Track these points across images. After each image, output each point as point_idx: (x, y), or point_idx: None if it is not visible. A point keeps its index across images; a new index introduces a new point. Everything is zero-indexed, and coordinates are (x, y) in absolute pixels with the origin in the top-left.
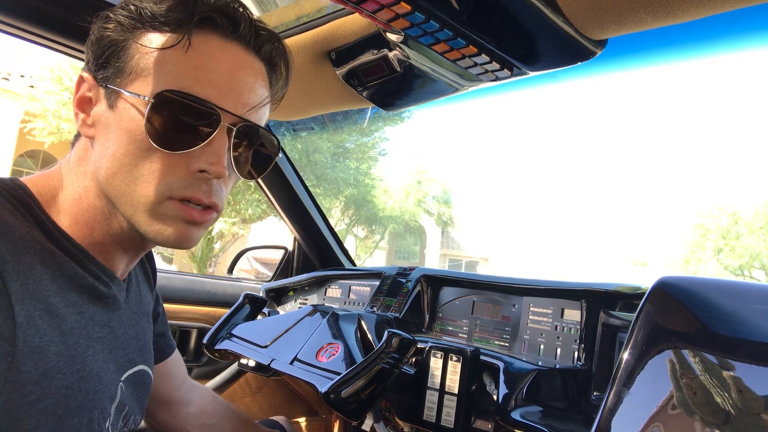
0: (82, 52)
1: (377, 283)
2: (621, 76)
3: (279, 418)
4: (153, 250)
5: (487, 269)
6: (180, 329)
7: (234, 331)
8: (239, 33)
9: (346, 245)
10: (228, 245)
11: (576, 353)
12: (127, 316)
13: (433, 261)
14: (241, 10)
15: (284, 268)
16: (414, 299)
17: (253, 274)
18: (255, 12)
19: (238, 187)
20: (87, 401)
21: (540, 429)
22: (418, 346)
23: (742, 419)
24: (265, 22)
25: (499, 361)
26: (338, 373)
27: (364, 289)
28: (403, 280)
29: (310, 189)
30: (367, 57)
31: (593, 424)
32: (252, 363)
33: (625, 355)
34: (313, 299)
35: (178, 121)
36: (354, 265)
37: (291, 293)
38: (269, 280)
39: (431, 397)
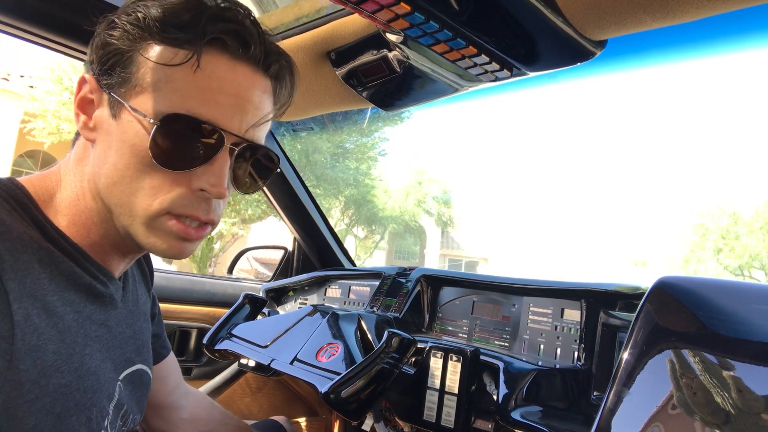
0: (82, 52)
1: (377, 283)
2: (621, 77)
3: (279, 418)
4: None
5: (487, 269)
6: (180, 329)
7: (234, 331)
8: (249, 54)
9: (346, 245)
10: (228, 245)
11: (576, 353)
12: (124, 315)
13: (433, 261)
14: (251, 28)
15: (284, 268)
16: (414, 299)
17: (253, 274)
18: (255, 13)
19: None
20: (85, 400)
21: (540, 429)
22: (418, 346)
23: (742, 419)
24: (265, 22)
25: (499, 361)
26: (338, 373)
27: (364, 289)
28: (403, 280)
29: (310, 189)
30: (367, 57)
31: (593, 424)
32: (252, 363)
33: (625, 355)
34: (313, 299)
35: (181, 142)
36: (354, 265)
37: (291, 293)
38: (269, 280)
39: (431, 397)
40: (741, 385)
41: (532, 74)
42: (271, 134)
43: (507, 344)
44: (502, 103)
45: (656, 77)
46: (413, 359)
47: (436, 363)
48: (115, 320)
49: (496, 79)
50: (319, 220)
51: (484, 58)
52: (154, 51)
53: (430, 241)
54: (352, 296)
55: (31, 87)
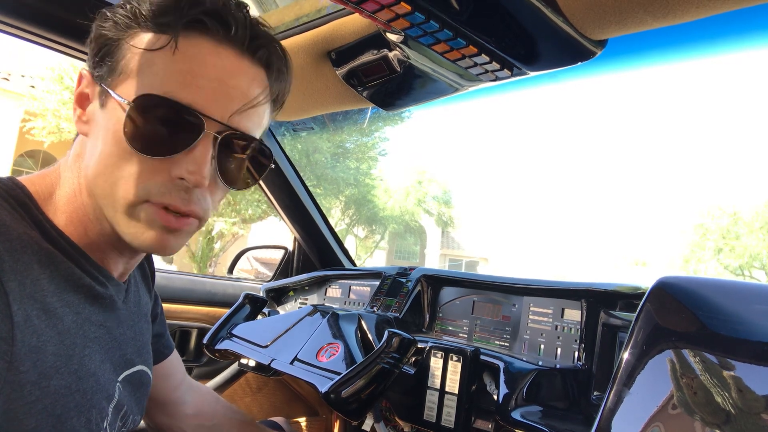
0: (82, 52)
1: (377, 283)
2: (621, 76)
3: (278, 419)
4: None
5: (487, 269)
6: (180, 329)
7: (234, 331)
8: (232, 36)
9: (346, 245)
10: (228, 245)
11: (576, 353)
12: (125, 316)
13: (433, 261)
14: (234, 10)
15: (284, 268)
16: (414, 299)
17: (253, 274)
18: (255, 12)
19: None
20: (85, 401)
21: (540, 429)
22: (419, 346)
23: (742, 419)
24: (265, 22)
25: (500, 361)
26: (338, 373)
27: (364, 289)
28: (403, 280)
29: (310, 189)
30: (367, 57)
31: (593, 424)
32: (252, 363)
33: (626, 355)
34: (313, 299)
35: (158, 126)
36: (354, 265)
37: (291, 293)
38: (269, 280)
39: (431, 397)
40: (741, 385)
41: (532, 74)
42: (272, 134)
43: (507, 344)
44: (502, 103)
45: (656, 77)
46: (413, 359)
47: (436, 363)
48: (115, 321)
49: (497, 79)
50: (320, 219)
51: (484, 58)
52: (139, 38)
53: (431, 241)
54: (352, 296)
55: (32, 87)
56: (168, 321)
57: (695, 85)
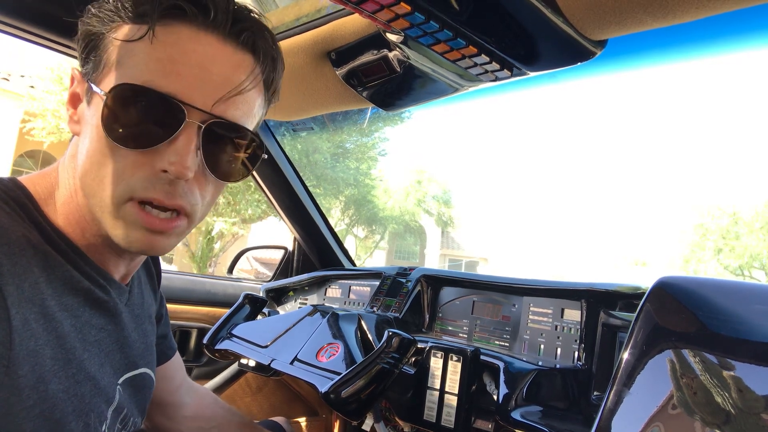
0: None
1: (377, 283)
2: (621, 76)
3: (278, 419)
4: None
5: (487, 269)
6: (180, 329)
7: (234, 331)
8: (211, 21)
9: (346, 245)
10: (228, 245)
11: (576, 353)
12: (128, 319)
13: (433, 261)
14: None
15: (284, 268)
16: (414, 299)
17: (253, 274)
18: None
19: (238, 187)
20: (83, 405)
21: (540, 429)
22: (418, 346)
23: (742, 419)
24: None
25: (499, 361)
26: (338, 373)
27: (364, 289)
28: (403, 280)
29: (310, 189)
30: (367, 57)
31: (593, 424)
32: (252, 363)
33: (625, 355)
34: (313, 299)
35: (137, 117)
36: (354, 265)
37: (291, 293)
38: (269, 280)
39: (431, 397)
40: (741, 385)
41: (532, 74)
42: (271, 134)
43: (507, 344)
44: (502, 103)
45: (656, 77)
46: (413, 359)
47: (436, 363)
48: (117, 324)
49: (496, 79)
50: (319, 220)
51: (484, 58)
52: (121, 30)
53: (430, 241)
54: (352, 296)
55: (32, 87)
56: (169, 321)
57: (695, 85)
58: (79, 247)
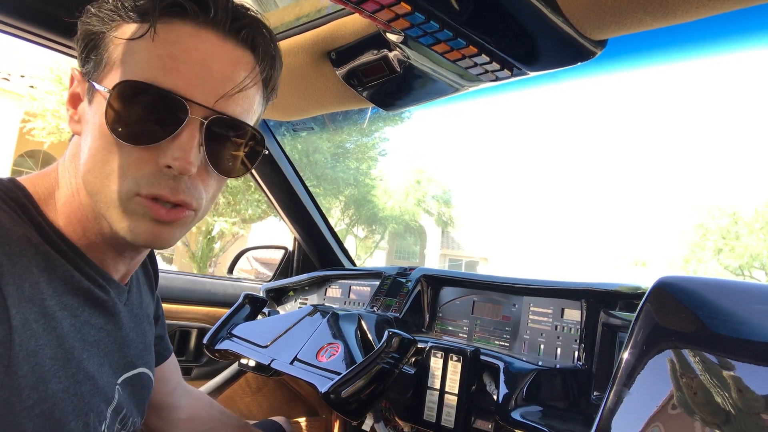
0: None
1: (377, 283)
2: (621, 76)
3: (278, 419)
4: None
5: (487, 269)
6: (180, 329)
7: (234, 331)
8: (212, 18)
9: (346, 245)
10: (228, 245)
11: (576, 353)
12: (126, 319)
13: (433, 261)
14: None
15: (284, 268)
16: (414, 299)
17: (253, 274)
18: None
19: (238, 186)
20: (82, 405)
21: (540, 429)
22: (418, 346)
23: (742, 419)
24: (265, 22)
25: (499, 361)
26: (338, 373)
27: (364, 289)
28: (403, 280)
29: (310, 189)
30: (367, 57)
31: (593, 424)
32: (252, 363)
33: (625, 355)
34: (313, 299)
35: (140, 114)
36: (354, 265)
37: (291, 293)
38: (269, 280)
39: (431, 397)
40: (741, 385)
41: (532, 74)
42: (272, 134)
43: (507, 344)
44: (502, 103)
45: (656, 77)
46: (413, 359)
47: (436, 363)
48: (116, 324)
49: (497, 79)
50: (320, 219)
51: (484, 58)
52: (122, 29)
53: (430, 241)
54: (352, 296)
55: (32, 87)
56: (168, 321)
57: (695, 85)
58: (78, 247)
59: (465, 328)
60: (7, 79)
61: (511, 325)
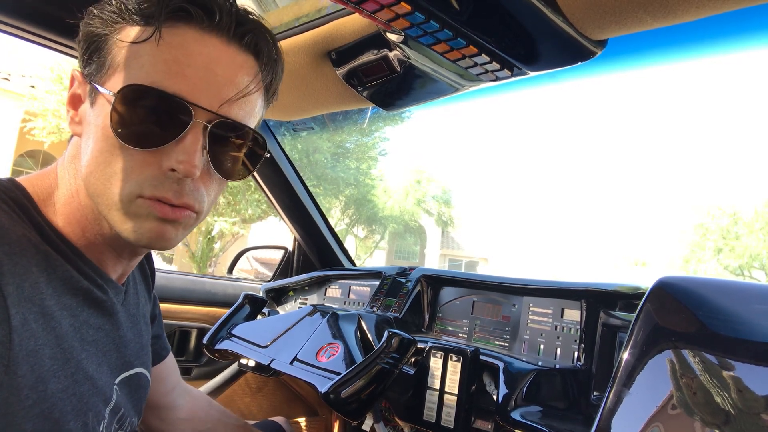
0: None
1: (377, 283)
2: (621, 76)
3: (278, 419)
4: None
5: (487, 269)
6: (180, 329)
7: (234, 331)
8: (216, 23)
9: (346, 245)
10: (228, 245)
11: (576, 353)
12: (124, 319)
13: (433, 261)
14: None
15: (284, 268)
16: (414, 299)
17: (253, 274)
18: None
19: (238, 187)
20: (81, 404)
21: (540, 429)
22: (418, 346)
23: (742, 419)
24: (265, 22)
25: (499, 361)
26: (338, 373)
27: (364, 289)
28: (403, 280)
29: (310, 189)
30: (367, 57)
31: (593, 424)
32: (252, 363)
33: (625, 355)
34: (313, 299)
35: (145, 117)
36: (354, 265)
37: (291, 293)
38: (269, 280)
39: (431, 397)
40: (741, 385)
41: (532, 74)
42: (272, 134)
43: (507, 344)
44: (502, 103)
45: (656, 77)
46: (413, 359)
47: (436, 363)
48: (113, 324)
49: (497, 79)
50: (319, 219)
51: (484, 58)
52: (126, 32)
53: (430, 241)
54: (352, 296)
55: (32, 87)
56: (168, 321)
57: (695, 85)
58: (77, 247)
59: (465, 328)
60: (8, 79)
61: (510, 325)
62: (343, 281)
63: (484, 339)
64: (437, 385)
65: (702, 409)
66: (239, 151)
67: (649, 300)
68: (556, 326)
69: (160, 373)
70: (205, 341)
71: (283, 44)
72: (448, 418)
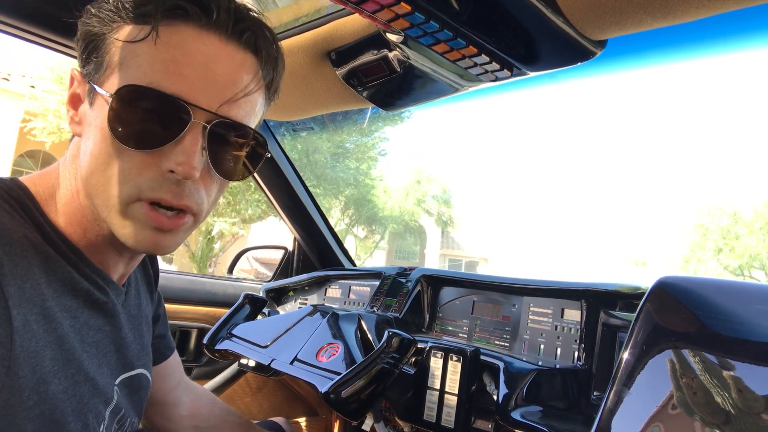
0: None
1: (377, 283)
2: (621, 76)
3: (278, 419)
4: None
5: (487, 269)
6: (180, 329)
7: (234, 331)
8: (214, 21)
9: (346, 245)
10: (228, 245)
11: (576, 353)
12: (124, 320)
13: (433, 261)
14: None
15: (284, 268)
16: (414, 299)
17: (253, 274)
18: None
19: (238, 187)
20: (82, 405)
21: (540, 429)
22: (418, 346)
23: (742, 419)
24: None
25: (499, 361)
26: (338, 373)
27: (364, 289)
28: (403, 280)
29: (310, 189)
30: (367, 57)
31: (593, 424)
32: (252, 363)
33: (625, 355)
34: (313, 299)
35: (143, 118)
36: (354, 265)
37: (291, 293)
38: (269, 280)
39: (431, 397)
40: (741, 385)
41: (532, 74)
42: (272, 134)
43: (507, 344)
44: (502, 103)
45: (656, 77)
46: (413, 359)
47: (436, 363)
48: (114, 325)
49: (497, 79)
50: (319, 219)
51: (484, 58)
52: (123, 31)
53: (430, 241)
54: (352, 296)
55: (32, 87)
56: (168, 321)
57: (695, 85)
58: (78, 248)
59: (465, 328)
60: (7, 79)
61: (511, 325)
62: (343, 281)
63: (485, 339)
64: (437, 385)
65: (702, 409)
66: (240, 151)
67: (649, 300)
68: (556, 326)
69: (164, 371)
70: (205, 341)
71: (283, 44)
72: (449, 418)
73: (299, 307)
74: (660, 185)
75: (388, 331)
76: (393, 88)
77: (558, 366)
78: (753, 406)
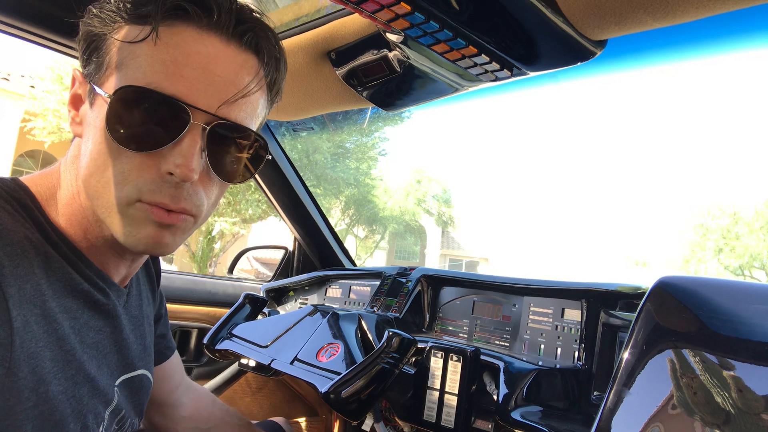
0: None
1: (377, 283)
2: (621, 76)
3: (278, 419)
4: None
5: (487, 269)
6: (180, 329)
7: (234, 331)
8: (215, 22)
9: (346, 245)
10: (228, 245)
11: (576, 353)
12: (126, 321)
13: (434, 261)
14: None
15: (284, 268)
16: (414, 299)
17: (254, 274)
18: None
19: (239, 186)
20: (81, 406)
21: (540, 429)
22: (419, 346)
23: (742, 419)
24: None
25: (500, 361)
26: (338, 373)
27: (364, 289)
28: (404, 280)
29: (310, 189)
30: (367, 57)
31: (593, 424)
32: (252, 363)
33: (626, 355)
34: (314, 299)
35: (142, 119)
36: (354, 265)
37: (291, 293)
38: (269, 280)
39: (431, 397)
40: (741, 385)
41: (532, 74)
42: (272, 134)
43: (507, 344)
44: (502, 103)
45: (656, 77)
46: (413, 359)
47: (436, 363)
48: (115, 326)
49: (496, 79)
50: (320, 219)
51: (484, 58)
52: (123, 31)
53: (431, 241)
54: (352, 296)
55: (32, 87)
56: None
57: (695, 85)
58: (79, 249)
59: (465, 328)
60: (7, 79)
61: (511, 325)
62: (343, 281)
63: (485, 339)
64: (437, 385)
65: (702, 409)
66: (239, 153)
67: (649, 300)
68: (556, 326)
69: (165, 372)
70: (205, 341)
71: (283, 44)
72: (449, 418)
73: (299, 307)
74: (660, 185)
75: (389, 331)
76: (393, 88)
77: (558, 366)
78: (753, 406)
